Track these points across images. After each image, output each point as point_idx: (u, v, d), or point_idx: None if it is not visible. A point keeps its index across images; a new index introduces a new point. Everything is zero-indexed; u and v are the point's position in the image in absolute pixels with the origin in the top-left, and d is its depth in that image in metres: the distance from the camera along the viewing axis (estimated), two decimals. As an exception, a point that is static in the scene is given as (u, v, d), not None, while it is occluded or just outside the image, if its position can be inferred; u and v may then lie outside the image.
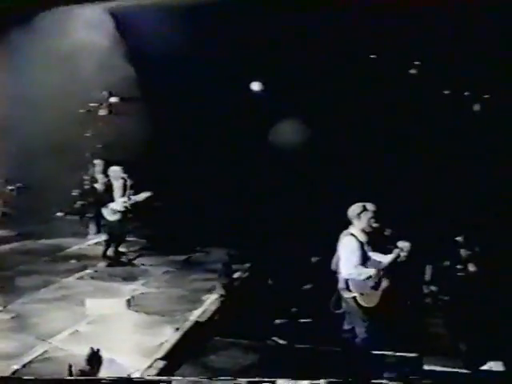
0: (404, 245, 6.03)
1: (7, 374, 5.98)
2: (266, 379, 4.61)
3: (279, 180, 12.24)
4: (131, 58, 13.59)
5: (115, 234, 10.44)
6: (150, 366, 6.11)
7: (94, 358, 4.83)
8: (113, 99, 14.68)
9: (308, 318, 7.81)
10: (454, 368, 6.09)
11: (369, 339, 5.87)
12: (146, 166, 12.49)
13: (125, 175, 10.35)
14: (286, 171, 12.30)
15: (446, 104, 12.30)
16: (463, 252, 8.77)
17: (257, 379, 4.68)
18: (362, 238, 5.91)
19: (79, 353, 5.79)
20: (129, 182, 10.34)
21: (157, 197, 10.61)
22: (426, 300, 8.53)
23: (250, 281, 9.45)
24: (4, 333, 6.98)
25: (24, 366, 6.16)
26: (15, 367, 6.09)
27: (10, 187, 13.83)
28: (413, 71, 12.77)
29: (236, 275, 9.25)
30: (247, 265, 9.97)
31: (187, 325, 7.28)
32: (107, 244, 10.46)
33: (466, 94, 12.53)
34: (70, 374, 4.61)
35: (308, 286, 8.95)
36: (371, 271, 5.81)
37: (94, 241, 11.83)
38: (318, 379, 4.99)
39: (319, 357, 6.50)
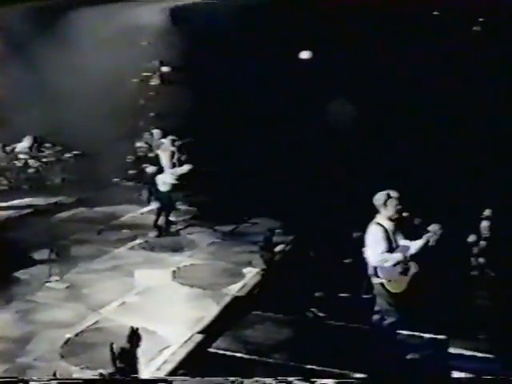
0: (435, 228, 6.07)
1: (62, 341, 6.58)
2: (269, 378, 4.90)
3: (326, 152, 12.29)
4: (183, 31, 13.82)
5: (166, 203, 10.72)
6: (188, 340, 6.54)
7: (134, 336, 5.24)
8: (164, 68, 15.04)
9: (347, 293, 8.00)
10: (481, 352, 6.25)
11: (396, 323, 6.07)
12: (197, 134, 12.80)
13: (173, 147, 10.65)
14: (333, 145, 12.33)
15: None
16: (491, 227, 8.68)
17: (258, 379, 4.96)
18: (389, 226, 6.03)
19: (127, 324, 6.20)
20: (176, 154, 10.64)
21: (205, 163, 10.82)
22: (473, 272, 8.57)
23: (292, 253, 9.69)
24: (59, 302, 7.59)
25: (76, 335, 6.75)
26: (68, 336, 6.69)
27: (68, 154, 14.50)
28: (476, 28, 12.36)
29: (278, 248, 9.54)
30: (290, 237, 10.20)
31: (226, 299, 7.66)
32: (158, 213, 10.77)
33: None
34: (112, 352, 5.06)
35: (349, 260, 9.09)
36: (398, 256, 5.93)
37: (146, 209, 12.18)
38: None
39: (350, 335, 6.76)
